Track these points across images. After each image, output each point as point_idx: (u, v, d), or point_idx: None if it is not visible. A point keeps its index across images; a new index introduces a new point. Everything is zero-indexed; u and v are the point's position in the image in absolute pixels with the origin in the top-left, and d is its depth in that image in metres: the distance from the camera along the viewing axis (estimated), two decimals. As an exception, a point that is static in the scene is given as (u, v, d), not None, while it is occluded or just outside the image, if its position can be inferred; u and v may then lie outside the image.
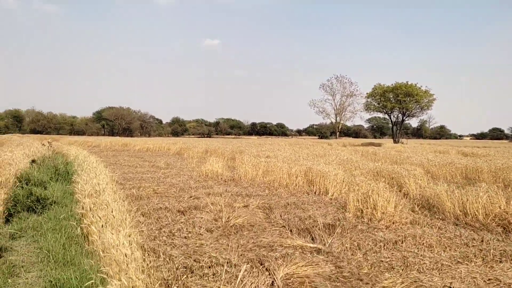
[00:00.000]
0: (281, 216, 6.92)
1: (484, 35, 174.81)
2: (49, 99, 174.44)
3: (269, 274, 4.03)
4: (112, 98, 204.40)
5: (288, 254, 4.68)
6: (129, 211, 5.77)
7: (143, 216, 6.71)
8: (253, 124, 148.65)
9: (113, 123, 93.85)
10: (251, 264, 4.32)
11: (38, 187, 8.14)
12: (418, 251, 4.88)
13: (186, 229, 5.86)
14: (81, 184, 7.18)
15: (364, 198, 7.12)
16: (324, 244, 5.23)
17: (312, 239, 5.58)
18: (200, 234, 5.62)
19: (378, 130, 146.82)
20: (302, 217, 6.76)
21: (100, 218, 4.29)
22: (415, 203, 7.72)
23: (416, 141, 77.06)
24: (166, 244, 4.99)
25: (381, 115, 48.29)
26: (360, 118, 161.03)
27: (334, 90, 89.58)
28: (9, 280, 3.89)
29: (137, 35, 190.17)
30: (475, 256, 4.71)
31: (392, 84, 42.57)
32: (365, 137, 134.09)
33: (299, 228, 6.09)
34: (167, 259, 4.35)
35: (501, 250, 4.91)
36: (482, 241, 5.32)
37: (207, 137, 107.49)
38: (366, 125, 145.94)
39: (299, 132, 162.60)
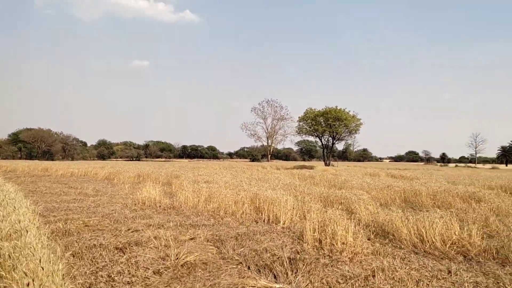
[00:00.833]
0: (234, 250, 6.28)
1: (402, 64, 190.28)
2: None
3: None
4: (30, 119, 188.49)
5: (255, 300, 4.07)
6: (60, 258, 4.78)
7: (73, 256, 5.70)
8: (184, 147, 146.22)
9: (32, 145, 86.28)
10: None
11: None
12: (392, 287, 4.53)
13: (129, 271, 5.00)
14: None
15: (321, 227, 6.75)
16: (290, 283, 4.70)
17: (275, 277, 5.02)
18: (147, 277, 4.81)
19: (307, 153, 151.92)
20: (258, 250, 6.19)
21: (26, 274, 3.32)
22: (369, 231, 7.53)
23: (343, 163, 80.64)
24: (107, 295, 4.14)
25: (311, 138, 49.47)
26: (290, 141, 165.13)
27: (265, 114, 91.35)
28: None
29: (59, 53, 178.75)
30: (449, 290, 4.48)
31: (322, 109, 44.22)
32: (295, 159, 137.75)
33: (258, 264, 5.51)
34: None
35: (472, 281, 4.73)
36: (450, 272, 5.13)
37: (136, 160, 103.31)
38: (295, 148, 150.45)
39: (230, 155, 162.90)
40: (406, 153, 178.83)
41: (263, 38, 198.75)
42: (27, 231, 4.91)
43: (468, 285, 4.60)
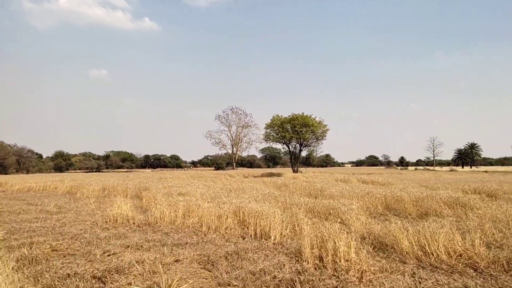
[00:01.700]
0: (228, 272, 5.68)
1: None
2: None
3: None
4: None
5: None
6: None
7: (45, 291, 4.91)
8: (146, 157, 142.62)
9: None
10: None
11: None
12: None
13: (115, 308, 4.31)
14: None
15: (320, 242, 6.28)
16: (303, 312, 4.19)
17: (283, 304, 4.49)
18: (139, 315, 4.14)
19: (271, 160, 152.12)
20: (255, 272, 5.62)
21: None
22: (366, 243, 7.14)
23: (308, 169, 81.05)
24: None
25: (279, 145, 49.30)
26: (255, 149, 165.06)
27: (230, 121, 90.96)
28: None
29: (12, 62, 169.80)
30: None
31: (289, 116, 44.15)
32: (259, 166, 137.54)
33: (260, 290, 4.96)
34: None
35: (497, 299, 4.40)
36: (467, 288, 4.80)
37: (96, 171, 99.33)
38: (259, 155, 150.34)
39: (194, 164, 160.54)
40: (367, 158, 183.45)
41: (224, 47, 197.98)
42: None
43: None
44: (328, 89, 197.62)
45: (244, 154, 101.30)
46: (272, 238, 7.74)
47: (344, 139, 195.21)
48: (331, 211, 9.52)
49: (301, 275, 5.43)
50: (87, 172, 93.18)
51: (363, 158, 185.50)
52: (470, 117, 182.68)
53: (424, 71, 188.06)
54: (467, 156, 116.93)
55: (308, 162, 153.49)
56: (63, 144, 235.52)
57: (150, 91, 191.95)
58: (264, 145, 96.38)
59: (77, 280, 5.33)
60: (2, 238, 8.03)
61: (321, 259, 6.03)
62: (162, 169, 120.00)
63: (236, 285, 5.15)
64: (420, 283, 5.02)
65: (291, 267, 5.86)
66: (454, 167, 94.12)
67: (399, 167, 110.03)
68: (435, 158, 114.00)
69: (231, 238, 8.12)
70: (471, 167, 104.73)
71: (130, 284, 5.11)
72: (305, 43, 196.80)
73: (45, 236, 8.50)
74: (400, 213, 11.09)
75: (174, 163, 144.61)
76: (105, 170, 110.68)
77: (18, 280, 4.95)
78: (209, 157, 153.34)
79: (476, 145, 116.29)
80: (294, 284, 5.08)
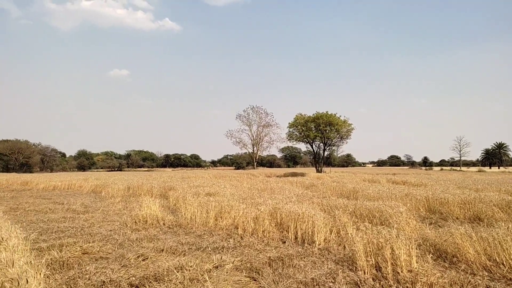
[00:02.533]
0: (277, 283, 5.11)
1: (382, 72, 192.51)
2: None
3: None
4: (6, 130, 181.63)
5: None
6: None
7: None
8: (167, 156, 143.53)
9: (9, 158, 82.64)
10: None
11: None
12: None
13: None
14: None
15: (376, 249, 5.65)
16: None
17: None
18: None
19: (291, 159, 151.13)
20: (306, 283, 5.04)
21: None
22: (422, 250, 6.46)
23: (331, 169, 79.81)
24: None
25: (302, 144, 48.58)
26: (276, 148, 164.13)
27: (251, 121, 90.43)
28: None
29: (35, 63, 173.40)
30: None
31: (313, 114, 43.31)
32: (279, 166, 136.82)
33: (318, 304, 4.38)
34: None
35: None
36: None
37: (118, 170, 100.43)
38: (279, 155, 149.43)
39: (214, 163, 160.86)
40: (389, 158, 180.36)
41: (243, 46, 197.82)
42: (27, 280, 3.62)
43: None
44: (347, 89, 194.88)
45: (265, 153, 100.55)
46: (317, 243, 7.13)
47: (364, 139, 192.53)
48: (376, 214, 8.83)
49: (357, 287, 4.84)
50: (109, 171, 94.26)
51: (384, 158, 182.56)
52: (495, 117, 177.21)
53: (445, 67, 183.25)
54: (495, 156, 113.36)
55: (329, 162, 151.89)
56: (85, 143, 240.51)
57: (170, 90, 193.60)
58: (284, 144, 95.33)
59: (113, 288, 4.87)
60: (30, 238, 7.67)
61: (378, 268, 5.41)
62: (183, 168, 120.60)
63: (289, 298, 4.59)
64: (502, 300, 4.36)
65: (345, 277, 5.26)
66: (482, 168, 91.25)
67: (423, 168, 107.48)
68: (462, 158, 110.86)
69: (271, 242, 7.56)
70: (499, 168, 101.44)
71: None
72: (320, 40, 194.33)
73: (74, 237, 8.14)
74: (447, 216, 10.30)
75: (194, 162, 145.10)
76: (127, 169, 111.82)
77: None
78: (229, 157, 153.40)
79: (504, 145, 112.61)
80: (355, 298, 4.49)
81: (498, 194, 12.23)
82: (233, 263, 6.02)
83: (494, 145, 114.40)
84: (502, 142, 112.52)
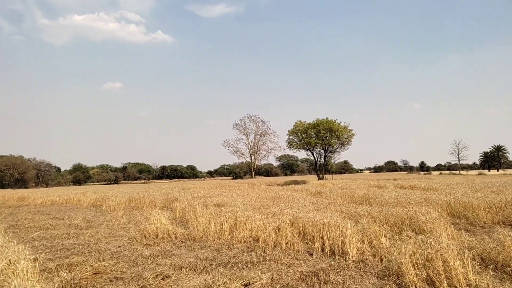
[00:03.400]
0: (319, 301, 4.54)
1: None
2: None
3: None
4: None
5: None
6: None
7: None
8: (163, 168, 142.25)
9: (3, 173, 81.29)
10: None
11: None
12: None
13: None
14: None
15: (425, 260, 5.08)
16: None
17: None
18: None
19: (288, 168, 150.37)
20: (354, 301, 4.48)
21: None
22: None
23: (329, 176, 79.24)
24: None
25: (302, 152, 47.93)
26: (273, 156, 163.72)
27: (248, 130, 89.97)
28: None
29: (28, 78, 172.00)
30: None
31: (313, 121, 42.87)
32: (276, 175, 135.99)
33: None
34: None
35: None
36: None
37: (114, 183, 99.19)
38: (276, 164, 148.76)
39: (211, 174, 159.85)
40: (385, 163, 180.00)
41: (236, 57, 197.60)
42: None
43: None
44: (340, 97, 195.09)
45: (262, 162, 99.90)
46: (350, 254, 6.54)
47: (360, 145, 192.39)
48: (406, 221, 8.26)
49: (416, 305, 4.27)
50: (106, 184, 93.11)
51: (381, 164, 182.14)
52: (489, 120, 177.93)
53: (437, 74, 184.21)
54: (493, 159, 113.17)
55: (326, 168, 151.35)
56: (80, 156, 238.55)
57: (164, 102, 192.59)
58: (281, 152, 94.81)
59: (136, 314, 4.27)
60: (34, 258, 7.03)
61: (431, 282, 4.84)
62: (180, 180, 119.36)
63: (341, 320, 4.02)
64: None
65: (394, 293, 4.69)
66: (482, 171, 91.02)
67: (421, 172, 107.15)
68: (461, 162, 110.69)
69: (297, 255, 6.97)
70: (498, 170, 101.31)
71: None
72: (311, 52, 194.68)
73: (82, 255, 7.52)
74: (474, 221, 9.76)
75: (190, 173, 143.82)
76: (123, 182, 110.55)
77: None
78: (225, 167, 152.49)
79: (503, 148, 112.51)
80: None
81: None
82: (262, 280, 5.43)
83: (492, 148, 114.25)
84: (501, 145, 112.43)
